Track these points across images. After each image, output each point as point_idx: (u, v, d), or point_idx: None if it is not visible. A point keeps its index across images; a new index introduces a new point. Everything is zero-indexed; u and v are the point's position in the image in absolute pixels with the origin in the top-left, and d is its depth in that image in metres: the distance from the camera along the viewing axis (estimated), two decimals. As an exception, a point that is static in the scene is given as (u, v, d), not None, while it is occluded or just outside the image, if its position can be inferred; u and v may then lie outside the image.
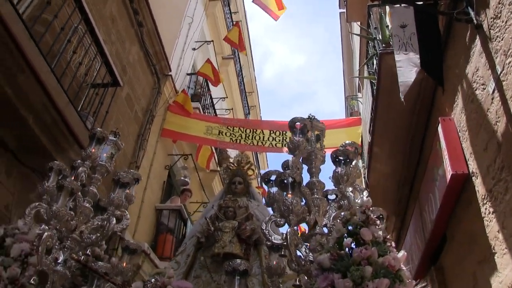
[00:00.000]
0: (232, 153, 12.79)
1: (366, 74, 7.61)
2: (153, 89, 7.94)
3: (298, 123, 3.35)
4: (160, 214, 7.80)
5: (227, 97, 12.09)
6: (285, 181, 2.89)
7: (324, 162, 3.53)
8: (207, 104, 10.04)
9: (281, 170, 3.34)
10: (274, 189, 3.28)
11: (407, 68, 4.35)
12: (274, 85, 65.64)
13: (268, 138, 8.75)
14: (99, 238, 3.23)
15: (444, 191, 4.31)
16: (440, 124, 4.48)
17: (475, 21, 3.69)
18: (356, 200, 3.01)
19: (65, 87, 4.38)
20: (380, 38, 5.62)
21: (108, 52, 5.44)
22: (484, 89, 3.68)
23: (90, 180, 3.41)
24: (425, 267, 5.52)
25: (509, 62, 3.18)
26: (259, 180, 10.86)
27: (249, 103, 16.49)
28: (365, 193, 3.21)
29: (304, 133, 3.34)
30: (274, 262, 3.24)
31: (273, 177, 3.37)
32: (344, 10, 12.18)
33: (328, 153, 3.46)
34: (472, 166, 4.03)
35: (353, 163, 3.35)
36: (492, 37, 3.46)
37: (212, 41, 11.33)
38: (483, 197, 3.80)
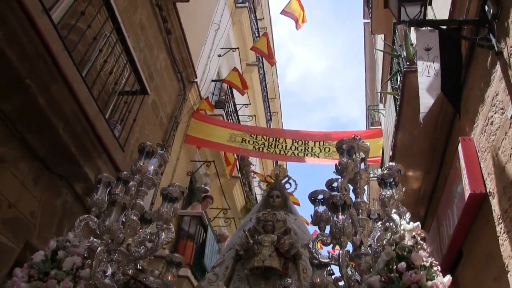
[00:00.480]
0: (253, 160, 12.93)
1: (389, 87, 7.66)
2: (178, 95, 8.11)
3: (345, 145, 3.41)
4: (181, 220, 7.92)
5: (250, 104, 12.23)
6: (336, 203, 2.94)
7: (368, 182, 3.60)
8: (230, 111, 10.19)
9: (326, 189, 3.43)
10: (321, 208, 3.41)
11: (429, 91, 4.43)
12: (297, 89, 65.54)
13: (291, 148, 8.81)
14: (149, 253, 3.24)
15: (462, 208, 4.36)
16: (460, 144, 4.53)
17: (496, 48, 3.74)
18: (404, 222, 3.12)
19: (95, 95, 4.58)
20: (405, 55, 5.68)
21: (137, 59, 5.62)
22: (503, 113, 3.72)
23: (137, 192, 3.43)
24: (441, 282, 5.53)
25: (528, 89, 3.23)
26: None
27: (271, 109, 16.62)
28: (408, 215, 3.32)
29: (350, 154, 3.40)
30: (318, 280, 3.26)
31: (320, 196, 3.45)
32: (369, 21, 12.24)
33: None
34: (490, 186, 4.07)
35: (399, 186, 3.36)
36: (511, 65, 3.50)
37: (238, 48, 11.50)
38: (498, 216, 3.85)
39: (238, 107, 11.02)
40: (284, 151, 8.84)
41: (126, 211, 3.17)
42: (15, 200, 4.05)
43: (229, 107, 10.07)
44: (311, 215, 3.55)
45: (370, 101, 14.43)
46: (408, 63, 5.55)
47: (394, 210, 3.18)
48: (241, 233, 4.53)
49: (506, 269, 3.67)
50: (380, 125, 12.12)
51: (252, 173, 12.48)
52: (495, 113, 3.92)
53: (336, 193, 3.32)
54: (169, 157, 7.20)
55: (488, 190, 4.08)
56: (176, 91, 8.05)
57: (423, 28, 4.28)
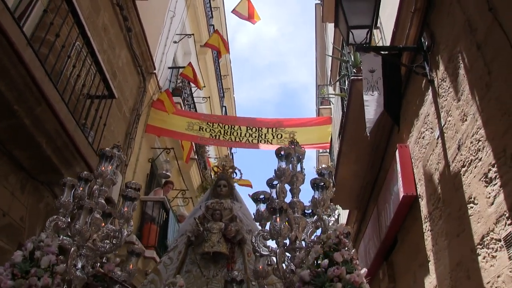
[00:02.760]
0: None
1: (338, 70, 8.33)
2: (139, 88, 8.42)
3: (283, 151, 3.91)
4: (145, 205, 8.40)
5: (204, 87, 12.59)
6: (275, 208, 3.47)
7: (304, 182, 4.23)
8: (187, 96, 10.57)
9: (267, 189, 3.99)
10: (262, 207, 4.01)
11: (373, 107, 5.08)
12: (247, 54, 65.61)
13: (245, 134, 9.39)
14: (113, 248, 3.72)
15: (397, 206, 5.15)
16: (397, 150, 5.28)
17: (429, 77, 4.44)
18: (331, 223, 3.76)
19: (68, 103, 4.90)
20: (352, 61, 6.32)
21: (101, 61, 5.92)
22: (432, 132, 4.47)
23: (99, 192, 3.85)
24: (379, 261, 6.45)
25: (449, 121, 3.96)
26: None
27: (223, 86, 17.03)
28: (337, 212, 3.97)
29: (288, 158, 3.92)
30: (260, 267, 3.78)
31: (261, 196, 3.96)
32: (319, 2, 12.77)
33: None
34: (420, 189, 4.87)
35: (329, 187, 3.97)
36: (440, 94, 4.22)
37: (193, 34, 11.76)
38: (425, 216, 4.66)
39: (193, 89, 11.38)
40: (239, 138, 9.41)
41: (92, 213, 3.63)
42: (8, 209, 4.47)
43: (185, 93, 10.43)
44: (253, 213, 4.20)
45: (320, 80, 15.13)
46: (355, 70, 6.21)
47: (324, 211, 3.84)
48: (191, 220, 4.99)
49: (428, 259, 4.53)
50: (330, 104, 12.80)
51: (207, 154, 13.00)
52: (426, 130, 4.67)
53: (274, 195, 3.99)
54: (132, 149, 7.64)
55: (418, 193, 4.89)
56: (136, 84, 8.35)
57: (368, 53, 4.89)
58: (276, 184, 3.98)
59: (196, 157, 11.25)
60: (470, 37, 3.51)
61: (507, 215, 2.95)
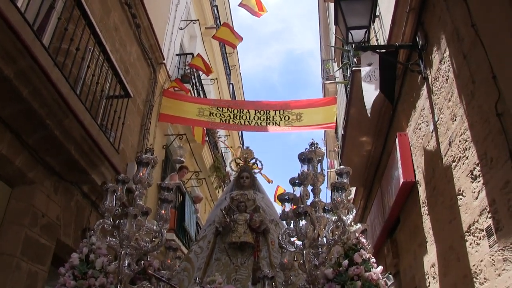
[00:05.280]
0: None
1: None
2: (150, 80, 8.80)
3: (304, 156, 4.30)
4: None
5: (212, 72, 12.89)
6: (300, 212, 3.83)
7: (323, 182, 4.61)
8: (196, 82, 10.92)
9: (292, 190, 4.36)
10: (287, 207, 4.39)
11: (370, 92, 5.47)
12: (252, 23, 65.02)
13: (254, 118, 9.75)
14: (155, 247, 4.11)
15: (398, 191, 5.58)
16: (397, 138, 5.66)
17: (423, 74, 4.78)
18: (350, 218, 4.12)
19: (88, 106, 5.32)
20: (353, 52, 6.63)
21: (116, 63, 6.31)
22: (427, 125, 4.84)
23: (138, 195, 4.17)
24: (383, 239, 6.94)
25: (442, 118, 4.33)
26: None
27: (229, 63, 17.30)
28: (354, 211, 4.39)
29: (310, 162, 4.31)
30: (285, 260, 4.23)
31: (287, 197, 4.37)
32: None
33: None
34: (418, 176, 5.28)
35: (347, 191, 4.19)
36: (433, 91, 4.57)
37: (198, 20, 11.99)
38: (423, 201, 5.09)
39: (201, 73, 11.68)
40: (248, 122, 9.79)
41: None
42: (45, 210, 5.01)
43: (194, 78, 10.78)
44: (279, 213, 4.63)
45: (324, 55, 15.34)
46: (356, 60, 6.53)
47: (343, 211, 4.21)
48: (218, 211, 5.38)
49: (426, 240, 4.99)
50: (335, 79, 13.07)
51: (218, 134, 13.44)
52: (422, 122, 5.04)
53: (297, 193, 4.38)
54: (147, 140, 8.08)
55: (417, 179, 5.30)
56: (147, 76, 8.72)
57: (366, 52, 5.22)
58: (298, 183, 4.33)
59: (207, 138, 11.68)
60: (457, 45, 3.84)
61: (488, 209, 3.36)
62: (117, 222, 4.00)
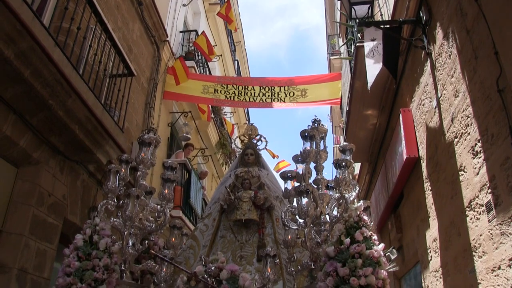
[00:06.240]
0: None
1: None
2: (153, 57, 8.76)
3: (307, 133, 4.30)
4: (168, 168, 8.96)
5: (216, 45, 12.81)
6: (302, 190, 3.91)
7: (326, 159, 4.59)
8: (200, 59, 10.86)
9: (294, 165, 4.45)
10: (289, 185, 4.38)
11: (373, 67, 5.43)
12: (256, -2, 63.98)
13: (259, 94, 9.73)
14: (159, 227, 4.23)
15: (401, 166, 5.59)
16: (401, 114, 5.64)
17: (427, 49, 4.72)
18: (353, 195, 4.12)
19: (91, 85, 5.32)
20: (357, 28, 6.55)
21: (118, 41, 6.28)
22: (430, 101, 4.81)
23: (141, 175, 4.28)
24: (387, 213, 6.99)
25: (444, 94, 4.30)
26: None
27: (234, 40, 17.15)
28: (357, 188, 4.38)
29: (312, 139, 4.29)
30: (289, 237, 4.18)
31: (289, 175, 4.38)
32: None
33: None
34: (421, 152, 5.28)
35: (350, 168, 4.15)
36: (436, 67, 4.53)
37: (201, -6, 11.87)
38: (426, 177, 5.10)
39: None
40: (253, 98, 9.76)
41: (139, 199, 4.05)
42: (52, 190, 5.06)
43: (198, 55, 10.71)
44: (283, 190, 4.64)
45: (330, 30, 15.16)
46: (360, 35, 6.45)
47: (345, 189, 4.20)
48: (223, 188, 5.33)
49: (428, 215, 5.02)
50: (340, 55, 12.95)
51: (223, 111, 13.43)
52: (426, 98, 5.01)
53: (300, 170, 4.37)
54: (152, 117, 8.12)
55: (420, 155, 5.30)
56: (151, 54, 8.68)
57: (369, 28, 5.16)
58: (301, 160, 4.32)
59: (212, 115, 11.68)
60: (461, 20, 3.78)
61: (488, 185, 3.38)
62: (121, 202, 4.05)
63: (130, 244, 3.99)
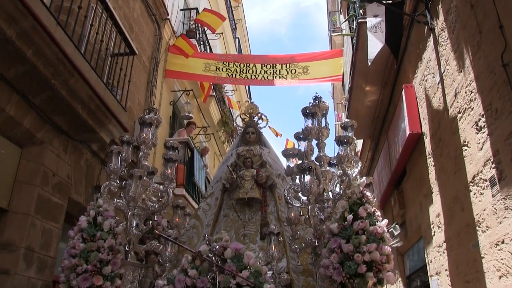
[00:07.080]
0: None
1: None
2: (155, 36, 8.69)
3: (308, 110, 4.29)
4: (171, 147, 8.99)
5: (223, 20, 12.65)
6: (304, 168, 3.92)
7: (328, 136, 4.59)
8: (201, 37, 10.77)
9: (296, 144, 4.43)
10: (292, 164, 4.46)
11: (375, 43, 5.41)
12: (256, -26, 62.92)
13: (260, 72, 9.69)
14: (162, 207, 4.26)
15: (404, 142, 5.60)
16: (403, 90, 5.62)
17: (430, 25, 4.68)
18: (356, 172, 4.14)
19: (93, 64, 5.30)
20: (359, 4, 6.48)
21: (119, 20, 6.23)
22: (433, 77, 4.79)
23: (143, 155, 4.32)
24: (390, 189, 7.02)
25: (448, 69, 4.28)
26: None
27: (235, 17, 16.98)
28: (360, 165, 4.40)
29: (314, 116, 4.28)
30: (292, 215, 4.25)
31: (291, 152, 4.50)
32: None
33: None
34: (424, 128, 5.28)
35: (352, 145, 4.23)
36: (439, 43, 4.49)
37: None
38: (429, 153, 5.12)
39: (206, 28, 11.51)
40: (255, 76, 9.74)
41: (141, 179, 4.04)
42: (56, 169, 5.09)
43: (199, 33, 10.63)
44: (285, 167, 4.64)
45: (331, 7, 14.98)
46: (362, 11, 6.38)
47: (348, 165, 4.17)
48: (225, 167, 5.35)
49: (432, 190, 5.05)
50: (342, 31, 12.83)
51: (225, 89, 13.37)
52: (428, 74, 4.98)
53: (302, 148, 4.36)
54: (154, 96, 8.11)
55: (423, 131, 5.30)
56: (152, 33, 8.62)
57: (371, 4, 5.10)
58: (302, 137, 4.32)
59: (214, 93, 11.65)
60: (465, -7, 3.74)
61: (492, 160, 3.39)
62: (123, 183, 4.07)
63: (134, 224, 4.03)
